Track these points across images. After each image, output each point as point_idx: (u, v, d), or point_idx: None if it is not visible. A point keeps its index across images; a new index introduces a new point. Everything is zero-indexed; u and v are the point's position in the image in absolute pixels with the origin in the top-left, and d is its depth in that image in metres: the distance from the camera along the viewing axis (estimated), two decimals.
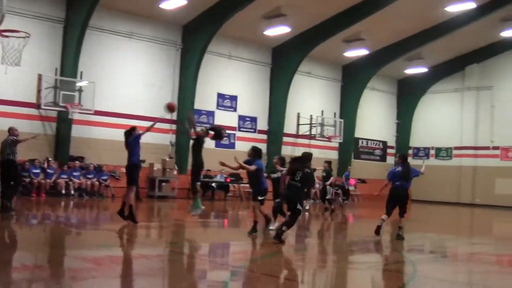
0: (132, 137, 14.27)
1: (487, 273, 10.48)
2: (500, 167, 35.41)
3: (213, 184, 27.51)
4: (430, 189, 32.31)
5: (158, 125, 26.88)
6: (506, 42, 34.64)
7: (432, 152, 39.30)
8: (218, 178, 27.72)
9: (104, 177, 24.67)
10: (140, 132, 14.42)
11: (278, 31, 28.72)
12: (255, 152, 13.88)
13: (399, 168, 14.27)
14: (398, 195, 14.08)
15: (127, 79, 26.78)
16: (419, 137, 39.93)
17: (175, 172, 26.68)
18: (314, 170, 16.69)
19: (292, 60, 31.61)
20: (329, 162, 23.60)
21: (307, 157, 13.42)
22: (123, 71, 26.74)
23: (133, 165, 14.27)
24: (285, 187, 13.18)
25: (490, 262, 12.07)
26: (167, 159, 26.51)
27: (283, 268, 10.24)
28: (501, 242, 17.18)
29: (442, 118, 38.93)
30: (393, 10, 28.51)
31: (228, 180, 28.11)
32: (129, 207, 14.10)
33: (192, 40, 27.89)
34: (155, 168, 26.04)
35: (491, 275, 10.34)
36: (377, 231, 14.02)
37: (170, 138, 27.84)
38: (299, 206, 12.44)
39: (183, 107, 27.86)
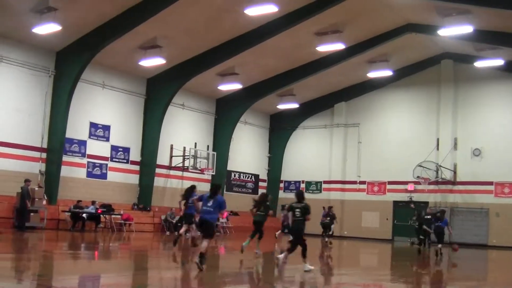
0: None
1: None
2: (366, 200, 36.87)
3: (84, 215, 26.78)
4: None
5: (27, 152, 26.27)
6: (372, 82, 36.50)
7: (303, 185, 40.34)
8: (90, 209, 27.00)
9: None
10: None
11: (153, 62, 28.69)
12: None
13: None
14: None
15: None
16: (290, 171, 40.92)
17: (44, 202, 25.78)
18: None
19: (166, 92, 31.60)
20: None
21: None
22: None
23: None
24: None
25: None
26: (36, 189, 25.57)
27: None
28: (366, 271, 17.83)
29: (312, 153, 40.15)
30: (266, 47, 29.32)
31: (100, 211, 27.48)
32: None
33: (65, 67, 27.22)
34: None
35: None
36: None
37: (40, 166, 26.92)
38: None
39: (54, 135, 27.18)
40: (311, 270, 14.48)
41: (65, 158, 27.83)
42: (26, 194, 23.62)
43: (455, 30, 26.97)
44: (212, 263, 18.17)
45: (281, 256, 15.17)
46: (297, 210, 15.01)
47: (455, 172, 34.90)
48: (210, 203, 13.99)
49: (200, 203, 14.24)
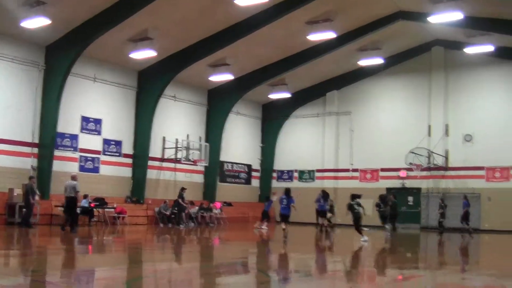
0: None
1: None
2: (359, 188, 36.88)
3: (77, 209, 26.63)
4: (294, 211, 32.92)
5: (18, 148, 26.15)
6: (364, 70, 36.54)
7: (296, 174, 40.45)
8: (82, 203, 26.89)
9: None
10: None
11: (144, 54, 28.56)
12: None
13: None
14: None
15: None
16: (283, 160, 40.98)
17: (36, 198, 25.65)
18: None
19: (158, 84, 31.55)
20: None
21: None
22: None
23: None
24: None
25: (351, 278, 12.54)
26: None
27: None
28: (359, 258, 17.89)
29: (304, 142, 40.23)
30: (257, 37, 29.27)
31: (93, 205, 27.42)
32: None
33: (56, 61, 27.08)
34: (15, 194, 24.94)
35: None
36: None
37: (31, 162, 26.85)
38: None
39: (45, 130, 27.08)
40: (366, 241, 21.51)
41: (56, 153, 27.75)
42: (30, 191, 23.59)
43: (445, 17, 26.97)
44: (206, 254, 18.23)
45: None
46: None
47: (447, 158, 35.06)
48: (284, 203, 23.15)
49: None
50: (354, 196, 23.28)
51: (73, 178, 22.79)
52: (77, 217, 23.82)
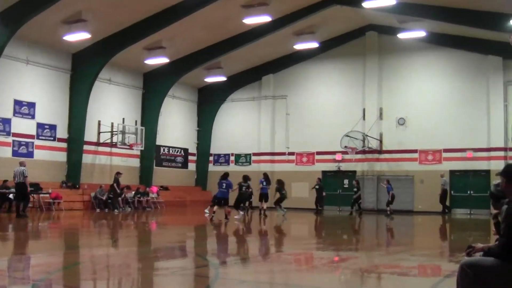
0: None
1: (287, 272, 11.03)
2: (295, 171, 37.36)
3: (11, 195, 26.14)
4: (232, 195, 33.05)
5: None
6: (299, 54, 36.83)
7: (232, 158, 40.55)
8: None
9: None
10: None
11: (78, 36, 28.11)
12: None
13: None
14: None
15: None
16: (219, 144, 41.02)
17: None
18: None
19: (93, 67, 31.08)
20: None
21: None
22: None
23: None
24: None
25: (288, 261, 12.73)
26: None
27: (85, 278, 10.06)
28: (296, 241, 18.16)
29: (241, 126, 40.33)
30: (192, 20, 29.15)
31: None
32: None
33: None
34: None
35: (291, 273, 10.89)
36: None
37: None
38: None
39: None
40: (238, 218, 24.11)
41: None
42: None
43: (378, 2, 27.47)
44: (144, 239, 18.17)
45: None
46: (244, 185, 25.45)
47: (381, 141, 35.76)
48: (223, 186, 23.59)
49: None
50: (246, 178, 26.56)
51: (22, 164, 23.12)
52: (28, 200, 24.26)
